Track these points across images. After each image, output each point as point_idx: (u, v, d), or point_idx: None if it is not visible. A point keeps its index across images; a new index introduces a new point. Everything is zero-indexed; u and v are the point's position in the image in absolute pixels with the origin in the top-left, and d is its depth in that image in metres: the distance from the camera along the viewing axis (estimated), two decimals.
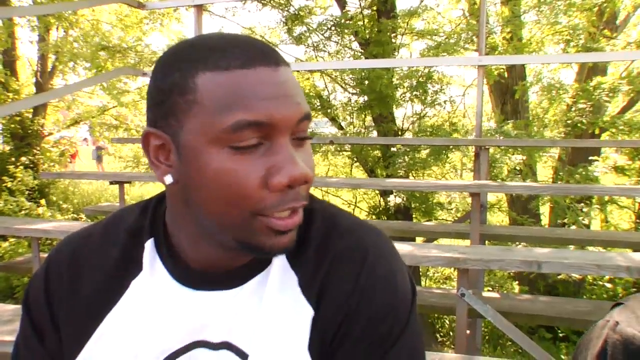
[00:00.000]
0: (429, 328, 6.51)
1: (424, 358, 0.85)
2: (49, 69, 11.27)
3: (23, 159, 10.26)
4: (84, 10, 9.96)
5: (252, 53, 0.72)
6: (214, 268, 0.82)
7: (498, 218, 8.89)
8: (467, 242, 4.17)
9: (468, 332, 3.46)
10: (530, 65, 7.99)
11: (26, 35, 11.10)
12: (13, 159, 10.30)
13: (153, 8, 6.51)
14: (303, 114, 0.74)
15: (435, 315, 6.50)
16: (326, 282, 0.81)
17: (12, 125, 10.57)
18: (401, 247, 3.20)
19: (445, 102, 7.31)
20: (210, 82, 0.70)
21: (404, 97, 7.22)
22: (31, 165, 10.26)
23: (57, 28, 10.42)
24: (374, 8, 7.21)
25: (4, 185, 9.87)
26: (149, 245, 0.86)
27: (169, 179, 0.77)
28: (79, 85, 6.47)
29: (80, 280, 0.87)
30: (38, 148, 10.64)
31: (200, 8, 5.23)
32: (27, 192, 9.84)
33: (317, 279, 0.82)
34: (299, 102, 0.74)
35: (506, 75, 7.74)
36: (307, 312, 0.80)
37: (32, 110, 10.67)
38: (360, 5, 7.43)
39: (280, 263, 0.83)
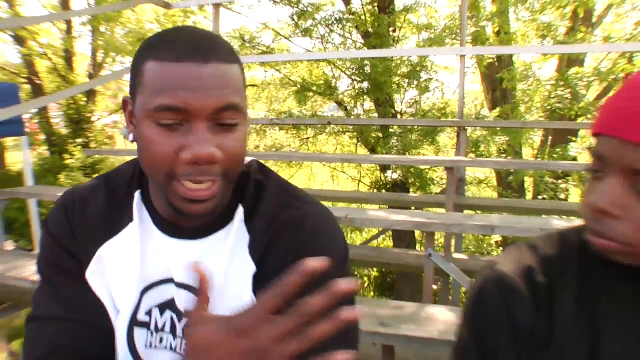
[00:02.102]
0: (416, 285, 6.49)
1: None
2: (98, 62, 11.43)
3: (79, 140, 10.51)
4: (128, 11, 10.09)
5: (187, 49, 0.75)
6: (182, 221, 0.88)
7: (487, 193, 8.78)
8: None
9: (435, 287, 3.48)
10: (520, 56, 7.83)
11: (82, 34, 11.19)
12: (71, 140, 10.57)
13: (178, 7, 6.53)
14: (222, 104, 0.76)
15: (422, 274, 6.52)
16: (269, 245, 0.86)
17: (70, 112, 10.83)
18: (377, 213, 3.21)
19: (435, 88, 7.22)
20: (152, 69, 0.76)
21: (399, 83, 7.13)
22: (84, 146, 10.47)
23: (105, 27, 10.54)
24: (375, 4, 7.11)
25: (63, 162, 10.17)
26: (137, 196, 0.91)
27: (131, 137, 0.84)
28: (112, 76, 6.53)
29: (87, 214, 0.92)
30: (90, 131, 10.87)
31: (217, 6, 5.26)
32: (82, 169, 10.10)
33: (263, 242, 0.87)
34: (219, 94, 0.75)
35: (496, 64, 7.60)
36: (250, 268, 0.86)
37: (85, 98, 10.89)
38: (361, 1, 7.35)
39: (238, 225, 0.88)
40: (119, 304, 0.89)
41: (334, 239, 0.89)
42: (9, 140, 10.24)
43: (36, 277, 1.00)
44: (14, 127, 4.51)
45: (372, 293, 7.53)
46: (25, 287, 2.76)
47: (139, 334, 0.89)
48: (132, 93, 0.82)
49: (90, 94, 10.96)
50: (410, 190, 7.31)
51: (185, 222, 0.88)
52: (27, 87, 10.96)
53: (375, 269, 7.46)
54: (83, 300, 0.89)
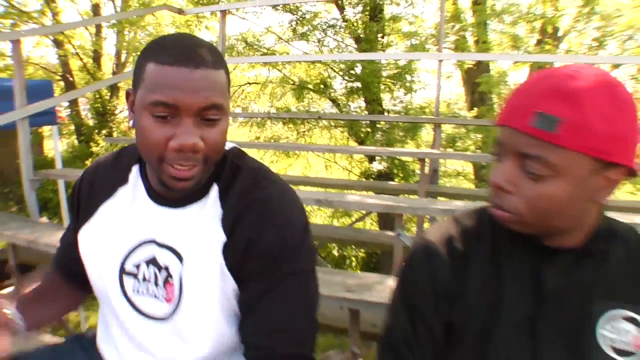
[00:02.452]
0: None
1: (309, 277, 0.96)
2: (122, 62, 11.55)
3: (104, 131, 10.65)
4: (149, 16, 10.22)
5: (180, 55, 0.83)
6: (167, 193, 0.96)
7: (466, 185, 8.87)
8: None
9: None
10: (498, 64, 7.91)
11: (106, 34, 11.35)
12: (97, 131, 10.74)
13: (190, 13, 6.64)
14: (207, 104, 0.83)
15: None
16: (238, 219, 0.92)
17: (96, 105, 10.98)
18: (352, 197, 3.33)
19: (419, 89, 7.30)
20: (151, 70, 0.84)
21: (385, 84, 7.22)
22: (108, 136, 10.61)
23: (128, 30, 10.67)
24: (367, 13, 7.20)
25: (90, 150, 10.33)
26: (135, 168, 1.01)
27: (131, 123, 0.91)
28: (120, 77, 6.72)
29: (95, 182, 1.06)
30: (114, 123, 11.01)
31: (224, 13, 5.36)
32: None
33: (233, 216, 0.93)
34: (205, 95, 0.83)
35: (475, 69, 7.67)
36: (221, 238, 0.93)
37: (109, 93, 11.04)
38: (354, 10, 7.45)
39: (213, 199, 0.95)
40: (109, 255, 1.00)
41: (294, 215, 0.94)
42: (45, 131, 10.43)
43: None
44: (48, 117, 4.68)
45: (358, 271, 7.64)
46: (53, 253, 2.92)
47: (128, 281, 0.99)
48: (134, 86, 0.89)
49: (114, 89, 11.09)
50: (395, 180, 7.43)
51: (170, 194, 0.96)
52: (62, 84, 11.12)
53: (362, 250, 7.59)
54: (69, 247, 1.11)
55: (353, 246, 7.44)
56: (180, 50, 0.83)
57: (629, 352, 0.84)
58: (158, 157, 0.86)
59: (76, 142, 11.23)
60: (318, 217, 8.91)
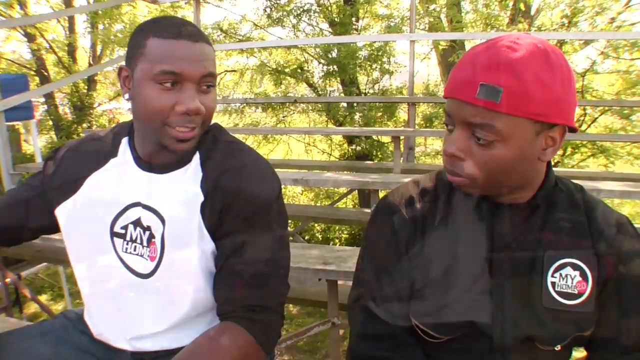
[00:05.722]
0: None
1: (280, 238, 1.03)
2: (98, 55, 11.31)
3: (83, 125, 10.48)
4: (125, 8, 10.04)
5: (182, 31, 0.92)
6: (154, 160, 1.03)
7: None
8: None
9: None
10: (473, 42, 7.95)
11: (82, 28, 11.06)
12: (75, 125, 10.55)
13: (164, 3, 6.53)
14: (205, 72, 0.94)
15: None
16: (216, 183, 1.01)
17: (74, 99, 10.78)
18: (327, 175, 3.37)
19: (394, 71, 7.31)
20: (154, 44, 0.92)
21: (361, 65, 7.22)
22: (89, 129, 10.45)
23: (103, 22, 10.43)
24: None
25: None
26: (124, 140, 1.08)
27: (126, 96, 1.00)
28: (99, 67, 6.62)
29: (80, 153, 1.10)
30: (92, 117, 10.84)
31: (198, 1, 5.29)
32: None
33: (211, 180, 1.01)
34: (204, 65, 0.94)
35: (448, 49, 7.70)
36: (200, 199, 1.01)
37: (86, 87, 10.82)
38: None
39: (195, 165, 1.03)
40: (100, 218, 1.06)
41: (265, 180, 1.03)
42: (22, 128, 10.22)
43: (47, 235, 1.20)
44: (25, 112, 4.63)
45: None
46: (39, 244, 2.93)
47: (117, 241, 1.06)
48: (131, 62, 0.96)
49: (92, 83, 10.90)
50: (375, 160, 7.46)
51: (157, 161, 1.03)
52: (37, 79, 10.88)
53: (345, 232, 7.65)
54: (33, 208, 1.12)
55: (336, 227, 7.49)
56: (179, 26, 0.93)
57: (574, 295, 0.91)
58: (162, 122, 0.94)
59: (55, 137, 11.02)
60: (302, 200, 8.94)
